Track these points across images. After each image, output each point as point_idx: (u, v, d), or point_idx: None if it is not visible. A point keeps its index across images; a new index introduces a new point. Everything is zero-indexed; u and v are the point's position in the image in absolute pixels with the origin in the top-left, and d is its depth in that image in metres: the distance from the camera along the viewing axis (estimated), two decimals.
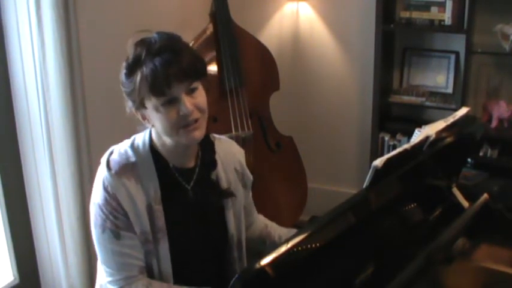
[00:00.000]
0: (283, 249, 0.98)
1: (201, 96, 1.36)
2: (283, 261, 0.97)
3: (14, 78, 2.10)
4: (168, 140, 1.39)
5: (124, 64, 1.34)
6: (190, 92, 1.33)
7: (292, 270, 1.01)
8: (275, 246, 0.99)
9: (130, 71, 1.32)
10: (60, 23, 2.03)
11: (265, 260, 0.95)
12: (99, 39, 2.39)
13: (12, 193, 2.22)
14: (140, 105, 1.34)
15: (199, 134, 1.36)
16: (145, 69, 1.28)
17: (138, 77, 1.30)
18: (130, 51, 1.33)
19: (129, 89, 1.33)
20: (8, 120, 2.14)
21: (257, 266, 0.94)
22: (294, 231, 1.61)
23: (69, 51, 2.08)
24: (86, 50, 2.22)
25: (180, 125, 1.32)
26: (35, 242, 2.28)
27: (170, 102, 1.30)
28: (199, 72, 1.35)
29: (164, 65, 1.27)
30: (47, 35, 2.03)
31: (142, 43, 1.32)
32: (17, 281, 2.32)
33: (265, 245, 1.64)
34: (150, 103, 1.32)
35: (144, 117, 1.38)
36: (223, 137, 1.61)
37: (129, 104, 1.37)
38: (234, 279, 0.95)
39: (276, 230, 1.66)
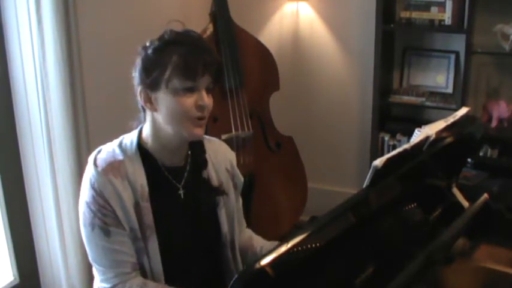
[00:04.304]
0: (283, 249, 0.97)
1: (212, 99, 1.40)
2: (283, 261, 0.97)
3: (14, 78, 2.10)
4: (166, 131, 1.38)
5: (156, 41, 1.35)
6: (208, 90, 1.38)
7: (292, 270, 1.01)
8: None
9: (165, 46, 1.34)
10: (60, 23, 2.03)
11: (265, 260, 0.94)
12: (99, 39, 2.40)
13: (12, 193, 2.22)
14: (155, 84, 1.34)
15: (201, 132, 1.39)
16: (185, 49, 1.32)
17: (175, 54, 1.32)
18: (166, 31, 1.36)
19: (153, 64, 1.34)
20: (8, 120, 2.14)
21: (257, 266, 0.94)
22: (276, 243, 1.61)
23: (69, 51, 2.08)
24: (86, 50, 2.22)
25: (191, 114, 1.34)
26: (35, 242, 2.28)
27: (192, 90, 1.34)
28: (219, 75, 1.40)
29: (201, 52, 1.33)
30: (47, 35, 2.03)
31: (181, 31, 1.37)
32: (17, 281, 2.32)
33: (247, 255, 1.63)
34: (171, 84, 1.32)
35: (147, 100, 1.37)
36: (212, 138, 1.61)
37: (138, 81, 1.37)
38: (234, 279, 0.95)
39: (259, 242, 1.65)
